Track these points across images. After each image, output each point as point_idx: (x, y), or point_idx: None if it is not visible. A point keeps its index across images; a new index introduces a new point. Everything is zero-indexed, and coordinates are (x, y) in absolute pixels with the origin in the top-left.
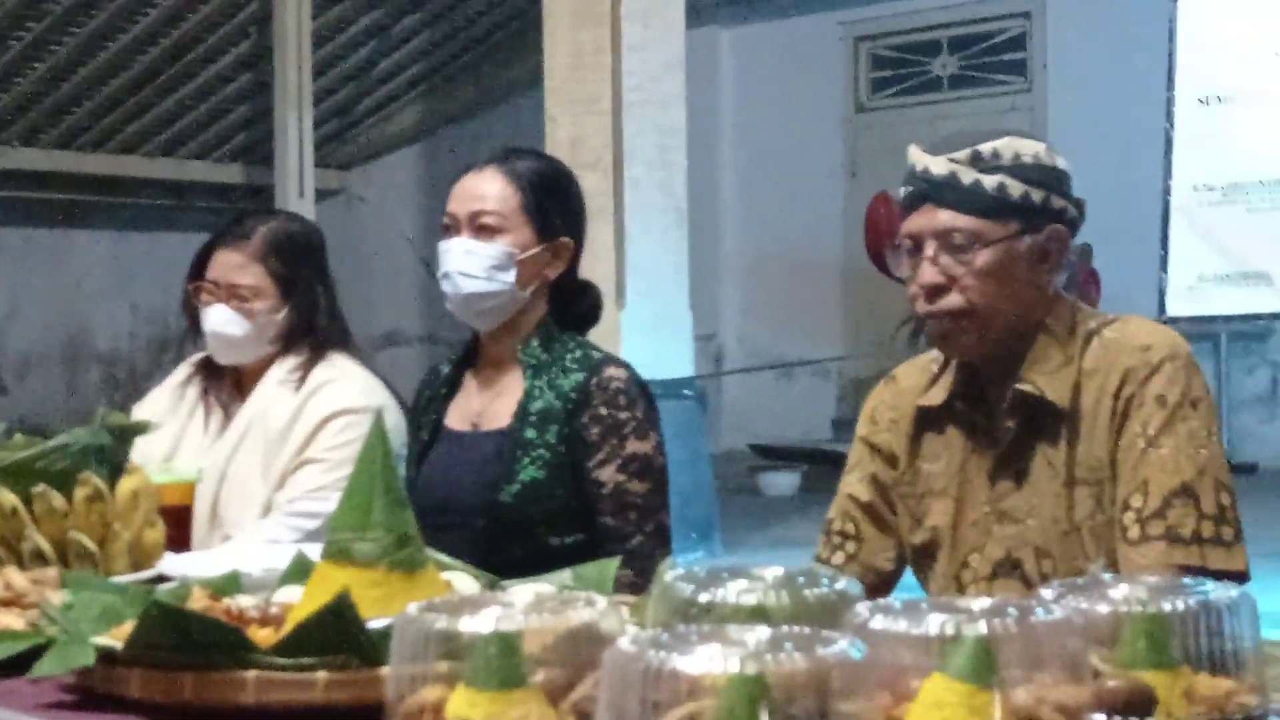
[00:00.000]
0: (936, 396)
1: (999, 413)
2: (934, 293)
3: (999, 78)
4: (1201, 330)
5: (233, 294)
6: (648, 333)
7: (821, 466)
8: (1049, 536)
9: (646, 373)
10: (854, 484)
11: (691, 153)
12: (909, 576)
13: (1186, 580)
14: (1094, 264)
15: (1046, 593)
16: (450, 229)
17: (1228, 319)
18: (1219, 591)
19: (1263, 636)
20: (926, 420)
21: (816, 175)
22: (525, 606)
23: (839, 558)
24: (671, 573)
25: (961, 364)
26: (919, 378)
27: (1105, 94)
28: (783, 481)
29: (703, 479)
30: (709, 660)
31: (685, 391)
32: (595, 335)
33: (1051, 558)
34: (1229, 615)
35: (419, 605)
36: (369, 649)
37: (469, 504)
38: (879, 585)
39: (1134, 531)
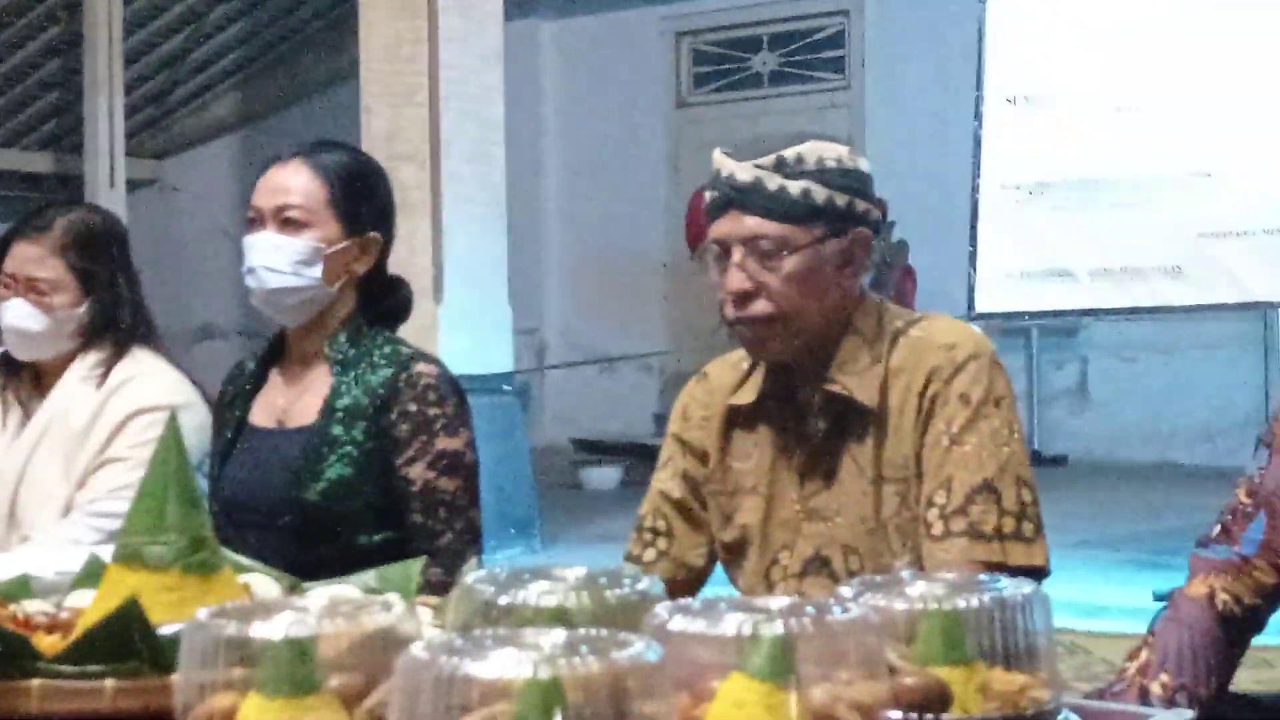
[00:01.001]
0: (747, 395)
1: (808, 412)
2: (742, 299)
3: (818, 75)
4: (1013, 325)
5: (31, 288)
6: (466, 327)
7: (643, 461)
8: (856, 534)
9: (465, 367)
10: (665, 481)
11: (512, 146)
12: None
13: (982, 577)
14: (910, 260)
15: (845, 590)
16: (255, 223)
17: (1035, 315)
18: (1013, 588)
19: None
20: (737, 418)
21: (639, 170)
22: (319, 611)
23: (650, 554)
24: (472, 575)
25: (772, 364)
26: (730, 376)
27: (920, 92)
28: (604, 476)
29: (523, 474)
30: (503, 665)
31: (505, 386)
32: (413, 329)
33: (859, 555)
34: (1023, 611)
35: (209, 611)
36: (158, 655)
37: (275, 502)
38: (690, 581)
39: (937, 528)
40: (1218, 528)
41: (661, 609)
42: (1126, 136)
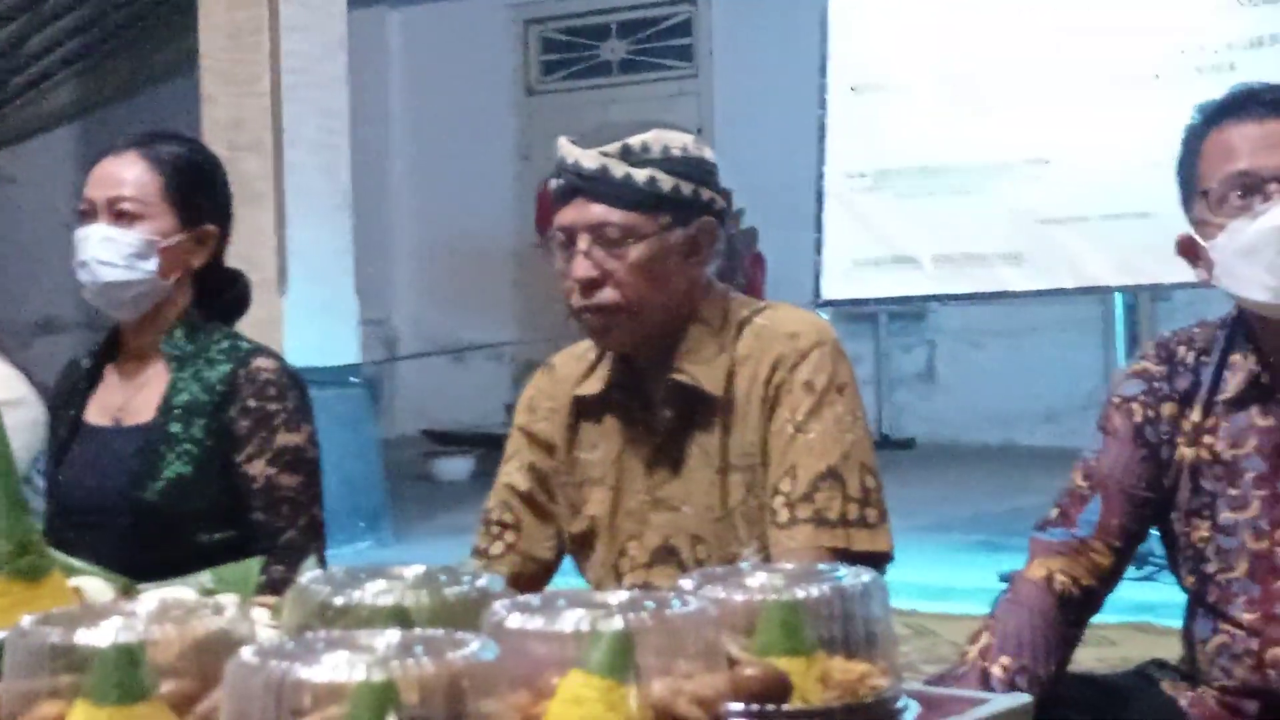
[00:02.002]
0: (594, 386)
1: (655, 402)
2: (588, 287)
3: (667, 63)
4: (862, 311)
5: None
6: (312, 319)
7: (495, 451)
8: (704, 523)
9: (311, 360)
10: (512, 473)
11: (358, 135)
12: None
13: (821, 566)
14: (760, 248)
15: (685, 583)
16: (87, 215)
17: (880, 301)
18: (851, 577)
19: (918, 608)
20: (584, 409)
21: (488, 158)
22: (148, 616)
23: (498, 547)
24: (308, 575)
25: (618, 354)
26: (576, 366)
27: (767, 80)
28: (456, 467)
29: (372, 466)
30: (335, 668)
31: (352, 378)
32: (257, 322)
33: (707, 544)
34: (861, 600)
35: (34, 618)
36: None
37: (112, 502)
38: (539, 574)
39: (783, 515)
40: (1055, 510)
41: (500, 606)
42: (967, 124)
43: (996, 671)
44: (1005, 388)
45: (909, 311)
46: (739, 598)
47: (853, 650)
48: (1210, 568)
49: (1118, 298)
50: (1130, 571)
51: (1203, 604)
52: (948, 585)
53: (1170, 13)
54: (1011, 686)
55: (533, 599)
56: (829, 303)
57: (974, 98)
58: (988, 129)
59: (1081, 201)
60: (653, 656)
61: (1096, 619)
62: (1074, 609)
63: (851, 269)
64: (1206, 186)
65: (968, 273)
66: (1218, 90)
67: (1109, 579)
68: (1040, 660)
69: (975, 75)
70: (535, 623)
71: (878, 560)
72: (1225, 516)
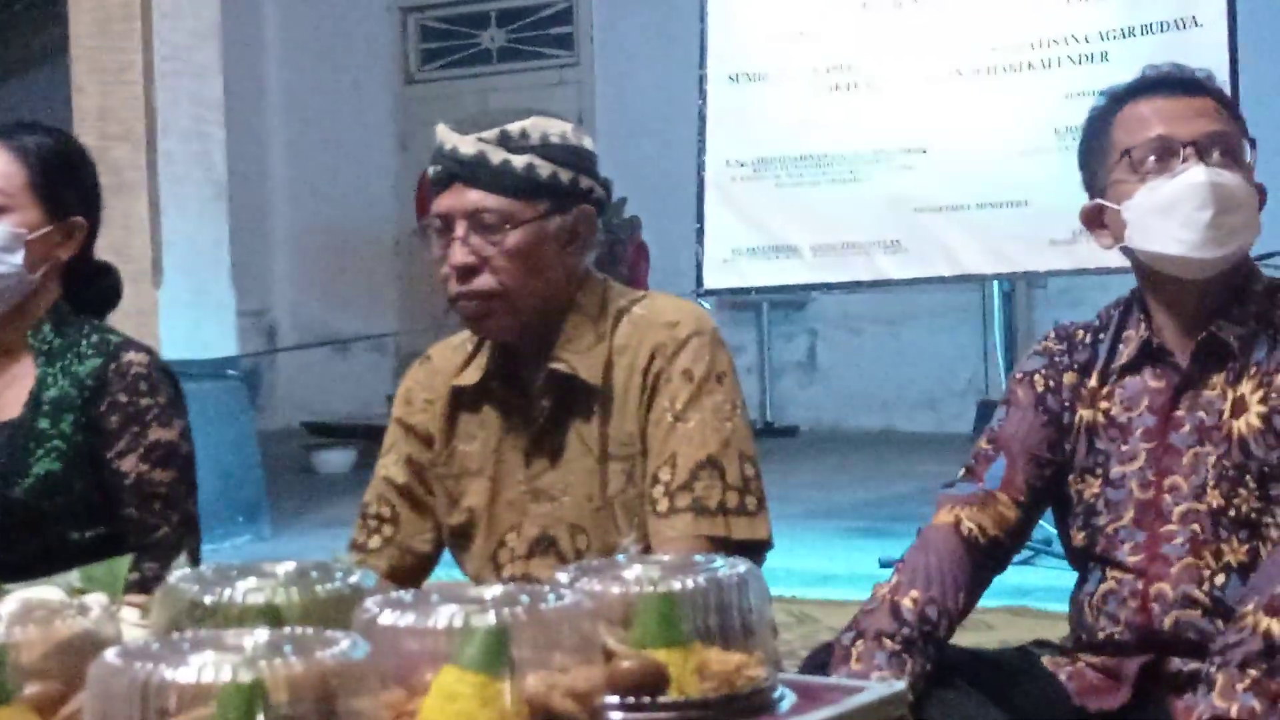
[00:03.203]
0: (471, 376)
1: (533, 392)
2: (465, 273)
3: (547, 51)
4: (744, 300)
5: None
6: (187, 311)
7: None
8: (583, 513)
9: (187, 352)
10: (390, 466)
11: (234, 124)
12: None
13: (698, 558)
14: (643, 236)
15: (561, 576)
16: None
17: (761, 290)
18: (727, 568)
19: (799, 595)
20: (462, 400)
21: (368, 148)
22: (10, 617)
23: (376, 541)
24: (177, 573)
25: (496, 344)
26: (454, 357)
27: (648, 69)
28: (337, 459)
29: (250, 460)
30: (202, 669)
31: (229, 371)
32: (132, 314)
33: (586, 534)
34: (738, 590)
35: None
36: None
37: None
38: (418, 567)
39: (663, 504)
40: (962, 471)
41: (371, 603)
42: (845, 114)
43: (906, 604)
44: (885, 375)
45: (790, 300)
46: (615, 590)
47: (729, 641)
48: (1101, 520)
49: (995, 285)
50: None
51: (1091, 557)
52: (829, 572)
53: (1045, 2)
54: (922, 617)
55: (405, 595)
56: (710, 292)
57: (852, 87)
58: (866, 118)
59: (958, 190)
60: (528, 650)
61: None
62: (981, 555)
63: (732, 258)
64: (1126, 148)
65: (847, 261)
66: (1091, 80)
67: (1015, 534)
68: (949, 594)
69: (853, 64)
70: (407, 619)
71: (757, 548)
72: (1115, 470)
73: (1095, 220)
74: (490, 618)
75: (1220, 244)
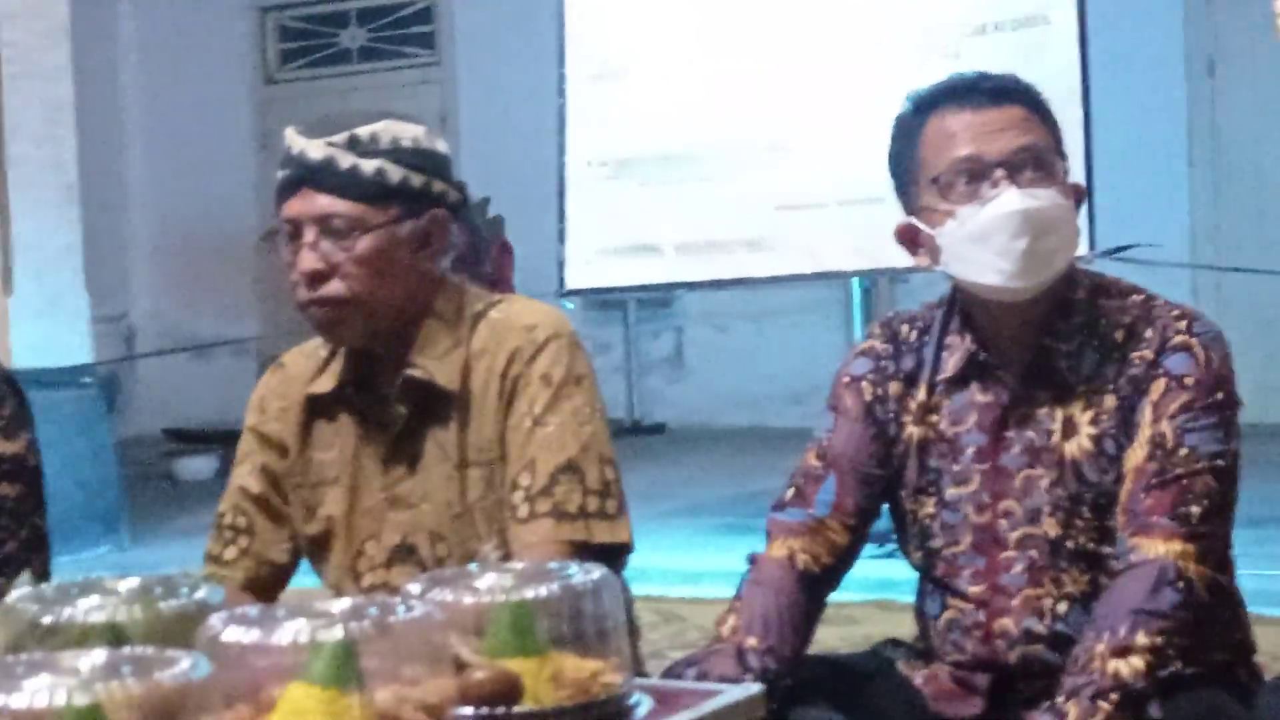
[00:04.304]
0: (326, 383)
1: (390, 398)
2: (315, 280)
3: (409, 50)
4: (610, 298)
5: None
6: (40, 318)
7: None
8: (443, 520)
9: (40, 361)
10: (244, 476)
11: (89, 126)
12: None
13: (552, 565)
14: (507, 236)
15: (413, 586)
16: None
17: (624, 290)
18: (582, 574)
19: (667, 594)
20: (317, 408)
21: (227, 149)
22: None
23: (231, 552)
24: (16, 592)
25: (351, 350)
26: (308, 364)
27: (511, 68)
28: (199, 465)
29: (107, 469)
30: (36, 693)
31: (84, 379)
32: None
33: (446, 541)
34: (593, 597)
35: None
36: None
37: None
38: (275, 578)
39: (523, 510)
40: (791, 491)
41: (215, 620)
42: (706, 112)
43: (749, 650)
44: (752, 371)
45: (656, 298)
46: (468, 600)
47: (585, 648)
48: (937, 543)
49: (854, 281)
50: (871, 549)
51: (932, 580)
52: (697, 569)
53: (906, 2)
54: (761, 665)
55: (251, 610)
56: (573, 292)
57: (713, 85)
58: (727, 116)
59: (820, 188)
60: (377, 663)
61: (839, 598)
62: (815, 586)
63: (595, 258)
64: (928, 174)
65: (709, 260)
66: (943, 76)
67: (847, 556)
68: (786, 639)
69: (715, 62)
70: (252, 635)
71: (618, 552)
72: (949, 492)
73: (911, 240)
74: (337, 632)
75: (1039, 270)
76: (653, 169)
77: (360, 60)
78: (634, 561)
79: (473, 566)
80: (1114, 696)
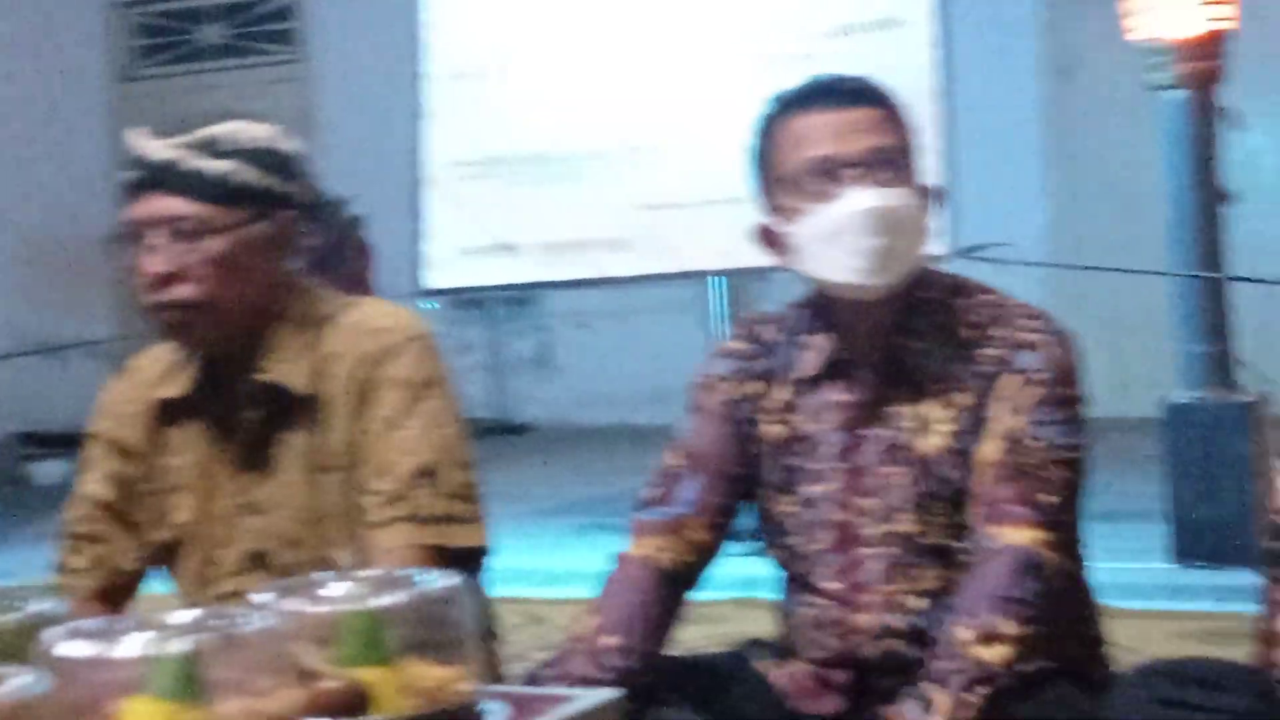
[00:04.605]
0: (176, 388)
1: (241, 403)
2: (163, 283)
3: (269, 47)
4: (474, 297)
5: None
6: None
7: None
8: (297, 526)
9: None
10: (92, 484)
11: None
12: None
13: (401, 572)
14: (368, 236)
15: (261, 596)
16: None
17: (485, 289)
18: (432, 581)
19: (531, 595)
20: (167, 413)
21: (81, 148)
22: None
23: (81, 561)
24: None
25: (201, 354)
26: (158, 368)
27: (373, 65)
28: (53, 470)
29: None
30: None
31: None
32: None
33: (300, 548)
34: (444, 604)
35: None
36: None
37: None
38: (126, 586)
39: (377, 515)
40: (653, 490)
41: (52, 633)
42: (567, 112)
43: (608, 649)
44: (617, 369)
45: (521, 297)
46: (316, 609)
47: (437, 656)
48: (796, 541)
49: (714, 280)
50: (735, 547)
51: (792, 577)
52: (563, 569)
53: (763, 2)
54: (623, 667)
55: (91, 623)
56: (433, 292)
57: (575, 86)
58: (591, 116)
59: (681, 188)
60: (223, 675)
61: (703, 596)
62: (676, 585)
63: (456, 257)
64: (783, 173)
65: (571, 259)
66: (801, 78)
67: (708, 555)
68: (645, 638)
69: (576, 63)
70: (91, 649)
71: (475, 556)
72: (808, 490)
73: (768, 239)
74: (180, 644)
75: (890, 268)
76: (514, 169)
77: (219, 57)
78: (498, 563)
79: (322, 575)
80: (981, 690)
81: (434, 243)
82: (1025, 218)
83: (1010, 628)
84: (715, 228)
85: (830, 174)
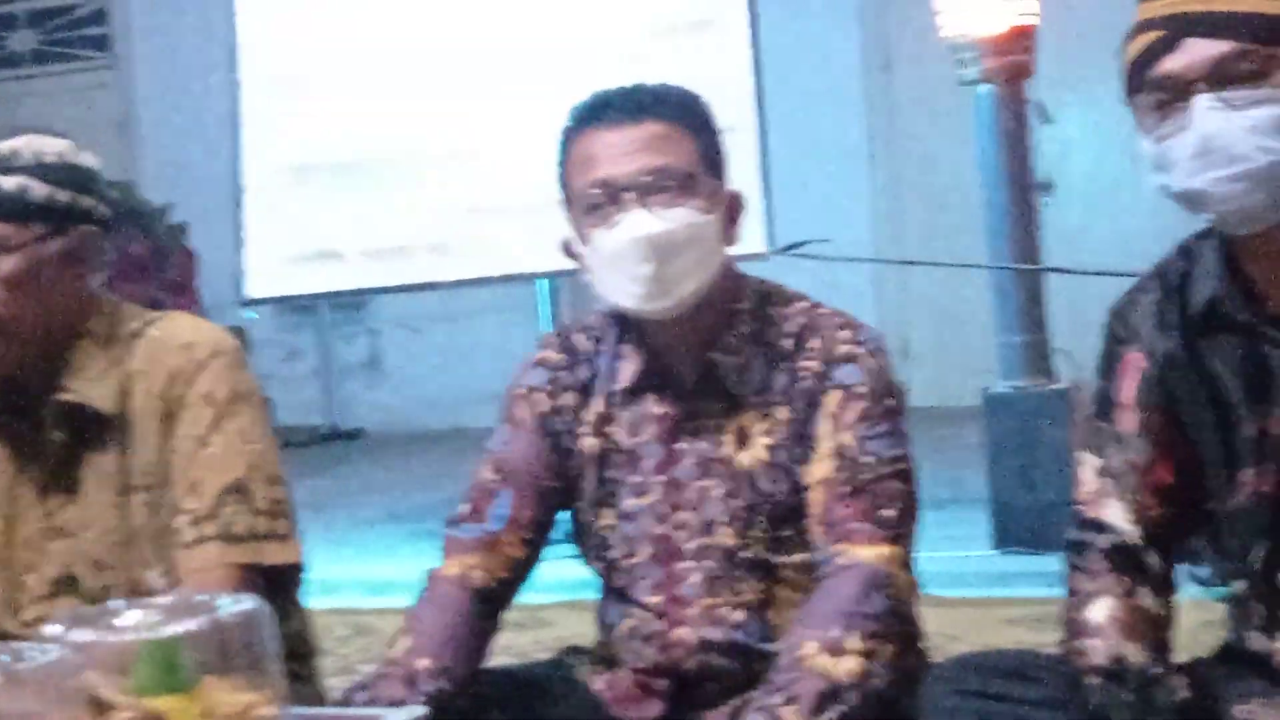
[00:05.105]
0: None
1: (45, 424)
2: None
3: (83, 53)
4: (303, 303)
5: None
6: None
7: None
8: (107, 548)
9: None
10: None
11: None
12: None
13: (200, 597)
14: (190, 244)
15: (52, 628)
16: None
17: (308, 297)
18: (231, 606)
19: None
20: None
21: None
22: None
23: None
24: None
25: (1, 375)
26: None
27: (190, 71)
28: None
29: None
30: None
31: None
32: None
33: (111, 570)
34: (243, 628)
35: None
36: None
37: None
38: None
39: (189, 534)
40: (467, 506)
41: None
42: (389, 115)
43: (420, 672)
44: (449, 373)
45: (350, 302)
46: (111, 639)
47: (238, 680)
48: (615, 554)
49: (541, 283)
50: (564, 549)
51: (612, 589)
52: (395, 578)
53: (584, 4)
54: (436, 691)
55: None
56: (256, 301)
57: (395, 90)
58: (413, 120)
59: (503, 191)
60: (8, 711)
61: (532, 600)
62: (490, 603)
63: (278, 265)
64: (572, 194)
65: (396, 265)
66: (622, 81)
67: (523, 570)
68: (459, 659)
69: (395, 68)
70: None
71: (291, 572)
72: (628, 503)
73: (570, 255)
74: None
75: (671, 292)
76: (336, 175)
77: (32, 64)
78: (326, 573)
79: (118, 603)
80: (832, 712)
81: (254, 251)
82: (851, 212)
83: (856, 642)
84: (539, 230)
85: (611, 197)
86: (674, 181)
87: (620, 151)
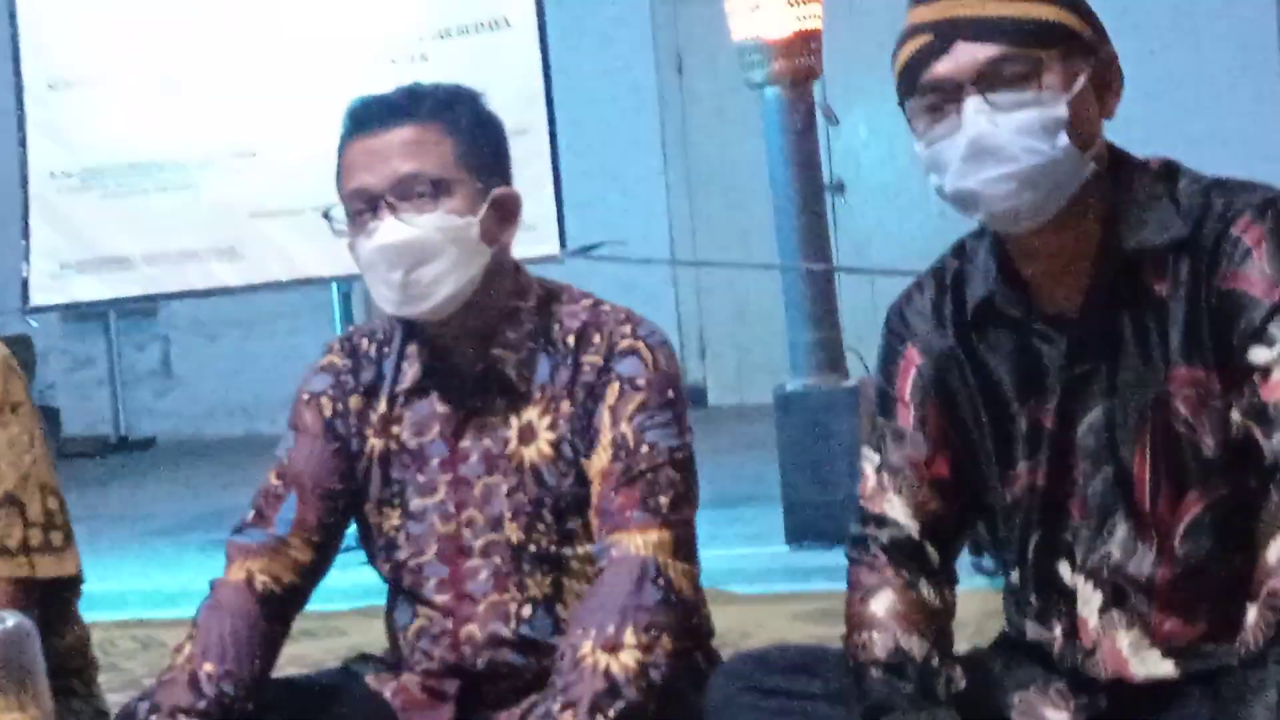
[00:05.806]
0: None
1: None
2: None
3: None
4: (90, 310)
5: None
6: None
7: None
8: None
9: None
10: None
11: None
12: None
13: None
14: None
15: None
16: None
17: (93, 305)
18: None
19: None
20: None
21: None
22: None
23: None
24: None
25: None
26: None
27: None
28: None
29: None
30: None
31: None
32: None
33: None
34: (8, 646)
35: None
36: None
37: None
38: None
39: None
40: (252, 513)
41: None
42: (173, 118)
43: (203, 676)
44: (243, 378)
45: (139, 308)
46: None
47: (3, 699)
48: (403, 554)
49: (333, 287)
50: (358, 556)
51: (400, 590)
52: (187, 589)
53: (368, 5)
54: (219, 694)
55: None
56: (38, 309)
57: (178, 91)
58: (195, 122)
59: (291, 194)
60: None
61: (324, 608)
62: (278, 607)
63: (61, 273)
64: (342, 199)
65: (183, 270)
66: (413, 81)
67: (312, 574)
68: (245, 664)
69: (178, 68)
70: None
71: (67, 585)
72: (415, 503)
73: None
74: None
75: (428, 295)
76: (118, 179)
77: None
78: (113, 585)
79: None
80: (611, 710)
81: (35, 258)
82: (648, 213)
83: (633, 637)
84: (328, 233)
85: (370, 204)
86: (424, 188)
87: (375, 159)
